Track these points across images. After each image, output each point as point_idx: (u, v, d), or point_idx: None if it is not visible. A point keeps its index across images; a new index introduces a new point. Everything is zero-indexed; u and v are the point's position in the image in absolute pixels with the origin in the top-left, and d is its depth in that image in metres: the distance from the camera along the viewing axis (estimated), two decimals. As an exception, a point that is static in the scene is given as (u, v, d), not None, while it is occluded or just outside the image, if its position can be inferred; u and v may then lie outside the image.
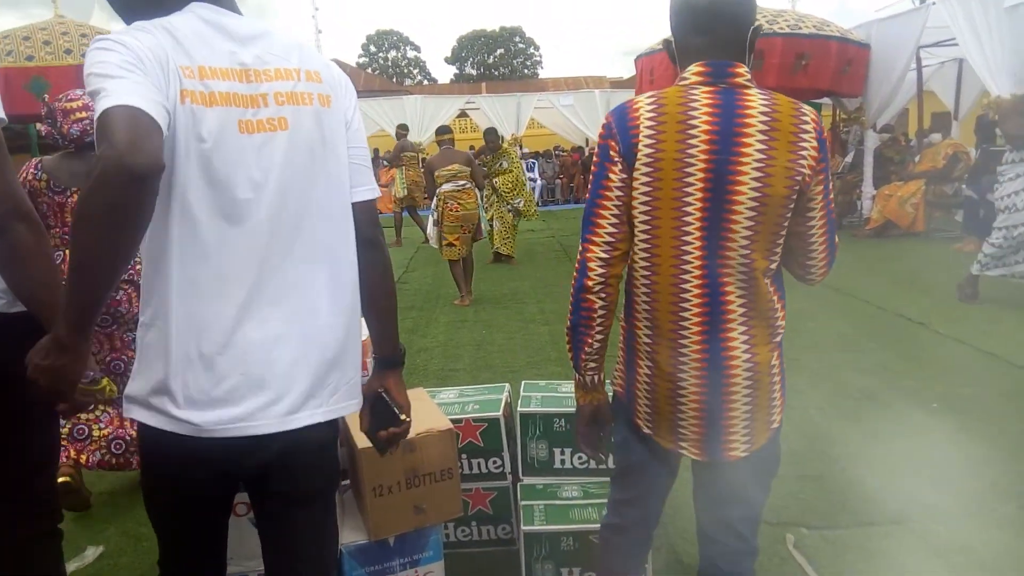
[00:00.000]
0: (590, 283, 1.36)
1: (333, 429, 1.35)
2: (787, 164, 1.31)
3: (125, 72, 1.03)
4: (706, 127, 1.31)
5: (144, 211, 1.00)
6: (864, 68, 8.22)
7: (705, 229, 1.31)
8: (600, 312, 1.39)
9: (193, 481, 1.21)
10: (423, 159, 8.56)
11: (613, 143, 1.34)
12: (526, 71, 47.03)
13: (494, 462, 2.22)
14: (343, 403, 1.30)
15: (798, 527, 2.41)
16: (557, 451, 2.22)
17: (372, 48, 48.39)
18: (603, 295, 1.38)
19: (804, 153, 1.32)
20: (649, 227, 1.34)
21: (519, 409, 2.20)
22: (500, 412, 2.20)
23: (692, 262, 1.32)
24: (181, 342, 1.13)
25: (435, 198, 6.20)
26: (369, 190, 1.35)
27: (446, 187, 6.12)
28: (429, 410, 1.99)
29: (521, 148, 16.49)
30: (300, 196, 1.20)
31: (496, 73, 46.29)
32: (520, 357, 4.54)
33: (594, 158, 1.41)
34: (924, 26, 7.41)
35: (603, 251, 1.35)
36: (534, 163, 16.86)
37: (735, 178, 1.30)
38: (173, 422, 1.14)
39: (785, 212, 1.34)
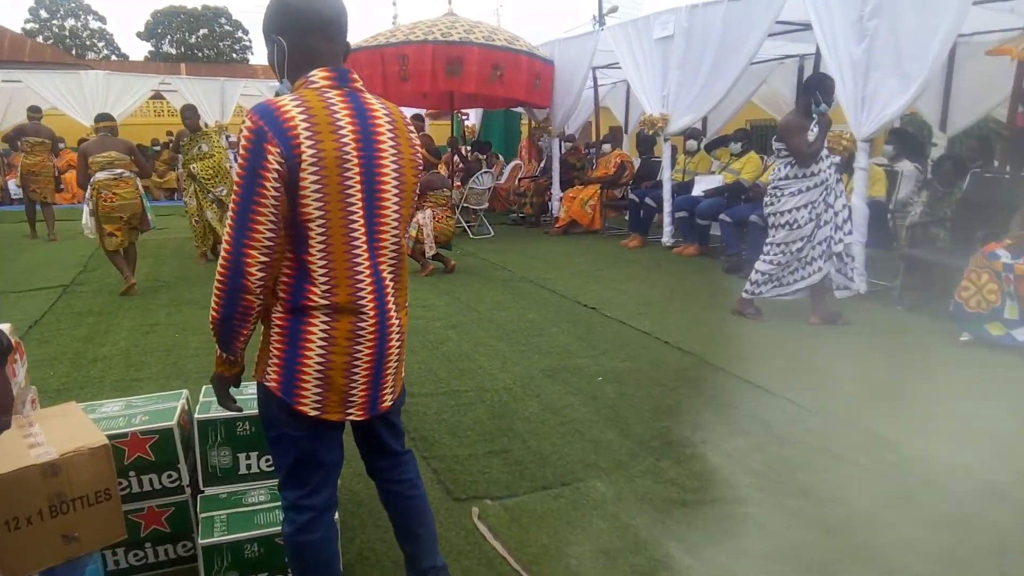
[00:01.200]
0: (251, 285, 1.44)
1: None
2: (411, 157, 1.60)
3: None
4: (351, 127, 1.48)
5: None
6: (551, 82, 9.14)
7: (365, 218, 1.51)
8: (258, 308, 1.50)
9: None
10: (79, 145, 7.38)
11: (271, 147, 1.39)
12: (234, 55, 43.72)
13: (169, 476, 2.06)
14: None
15: (483, 500, 2.61)
16: (242, 456, 2.13)
17: (43, 14, 41.03)
18: (262, 296, 1.48)
19: (416, 147, 1.61)
20: (323, 222, 1.45)
21: (196, 416, 2.07)
22: (174, 421, 2.04)
23: (360, 247, 1.50)
24: None
25: (88, 187, 5.77)
26: None
27: (100, 175, 5.72)
28: (79, 426, 1.77)
29: (228, 136, 15.33)
30: None
31: (200, 55, 42.31)
32: (217, 361, 4.24)
33: (240, 160, 1.41)
34: (596, 49, 8.46)
35: (263, 255, 1.43)
36: (243, 154, 15.74)
37: (380, 171, 1.52)
38: None
39: (414, 198, 1.62)
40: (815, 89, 4.56)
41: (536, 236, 9.30)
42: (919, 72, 4.90)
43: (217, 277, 1.45)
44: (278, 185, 1.40)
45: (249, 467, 2.13)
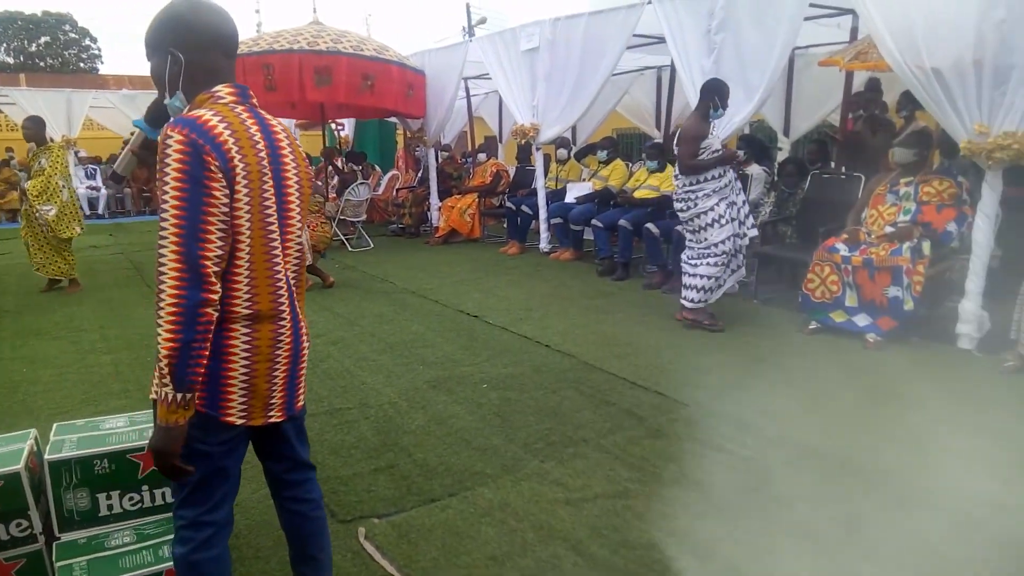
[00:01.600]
0: (212, 297, 1.41)
1: None
2: (305, 168, 1.69)
3: None
4: (262, 142, 1.54)
5: None
6: (424, 92, 9.14)
7: (279, 228, 1.58)
8: (214, 324, 1.46)
9: None
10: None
11: (210, 158, 1.41)
12: (82, 64, 40.40)
13: (18, 525, 1.89)
14: None
15: (370, 519, 2.58)
16: (102, 497, 1.99)
17: None
18: (217, 307, 1.45)
19: (303, 161, 1.70)
20: (249, 233, 1.50)
21: (47, 457, 1.91)
22: (21, 465, 1.88)
23: (278, 256, 1.57)
24: None
25: None
26: None
27: None
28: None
29: (78, 152, 14.16)
30: None
31: (42, 64, 38.76)
32: (75, 394, 3.92)
33: (176, 172, 1.38)
34: (466, 59, 8.56)
35: (216, 265, 1.42)
36: (96, 169, 14.62)
37: (286, 183, 1.60)
38: None
39: (307, 209, 1.69)
40: (713, 94, 4.73)
41: (416, 246, 9.25)
42: (761, 82, 5.33)
43: (168, 302, 1.36)
44: (224, 198, 1.43)
45: (111, 507, 2.00)
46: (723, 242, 4.77)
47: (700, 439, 3.18)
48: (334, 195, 9.46)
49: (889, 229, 4.53)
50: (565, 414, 3.51)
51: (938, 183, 4.53)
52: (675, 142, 4.83)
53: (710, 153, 4.71)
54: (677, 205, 4.90)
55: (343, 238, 9.06)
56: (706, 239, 4.81)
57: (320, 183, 8.83)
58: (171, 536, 2.01)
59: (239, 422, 1.57)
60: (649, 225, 6.35)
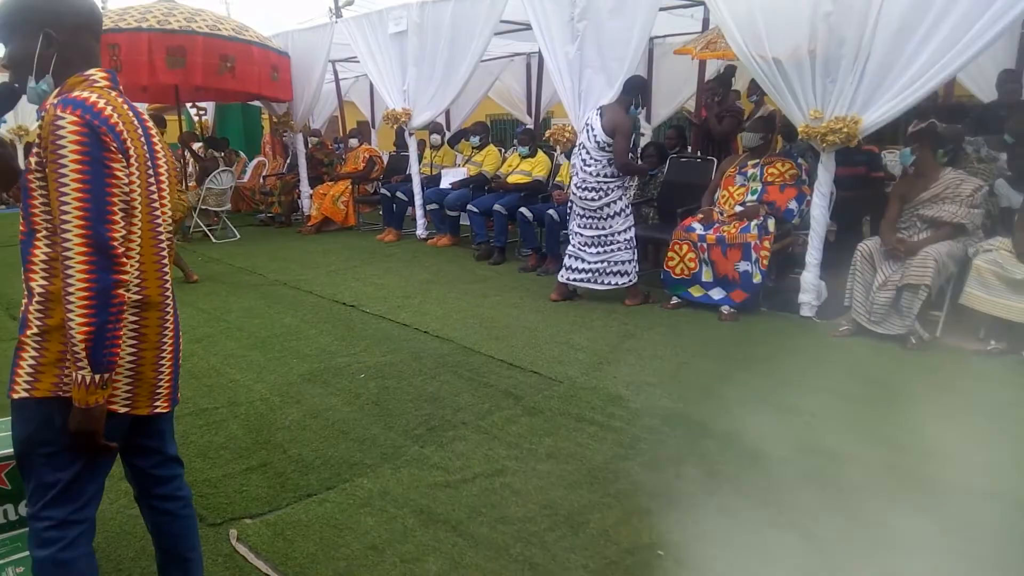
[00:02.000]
0: (124, 278, 1.41)
1: None
2: (170, 157, 1.71)
3: None
4: (140, 128, 1.54)
5: None
6: (289, 75, 8.78)
7: (160, 212, 1.58)
8: (126, 304, 1.45)
9: None
10: None
11: (108, 139, 1.40)
12: None
13: None
14: None
15: (243, 520, 2.50)
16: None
17: None
18: (129, 287, 1.46)
19: (167, 148, 1.70)
20: (137, 216, 1.48)
21: None
22: None
23: (163, 242, 1.58)
24: None
25: None
26: None
27: None
28: None
29: None
30: None
31: None
32: None
33: (75, 155, 1.35)
34: (332, 41, 8.30)
35: (123, 245, 1.41)
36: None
37: (158, 169, 1.59)
38: None
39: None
40: (637, 92, 4.95)
41: (288, 236, 8.93)
42: (621, 69, 5.55)
43: (79, 287, 1.35)
44: (127, 177, 1.43)
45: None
46: (626, 231, 5.02)
47: (574, 414, 3.31)
48: (194, 183, 8.93)
49: (739, 208, 4.88)
50: (444, 398, 3.54)
51: (780, 164, 4.93)
52: (605, 134, 4.87)
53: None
54: (587, 194, 4.97)
55: (206, 229, 8.59)
56: (610, 227, 5.01)
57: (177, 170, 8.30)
58: (16, 556, 1.88)
59: (123, 410, 1.54)
60: (523, 209, 6.47)
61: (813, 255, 4.69)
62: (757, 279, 4.65)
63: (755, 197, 4.88)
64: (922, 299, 4.00)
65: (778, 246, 4.82)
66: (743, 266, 4.66)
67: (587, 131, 5.01)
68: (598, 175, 4.93)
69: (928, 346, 4.09)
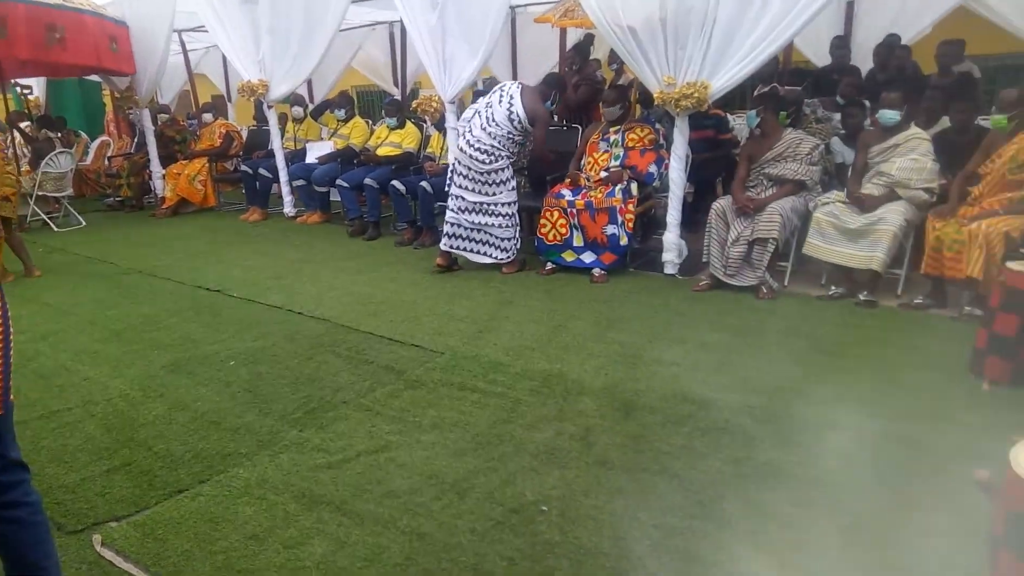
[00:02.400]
0: None
1: None
2: None
3: None
4: None
5: None
6: (130, 46, 8.07)
7: None
8: None
9: None
10: None
11: None
12: None
13: None
14: None
15: (107, 524, 2.34)
16: None
17: None
18: None
19: None
20: None
21: None
22: None
23: None
24: None
25: None
26: None
27: None
28: None
29: None
30: None
31: None
32: None
33: None
34: (175, 9, 7.69)
35: None
36: None
37: None
38: None
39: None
40: (555, 88, 5.34)
41: (141, 220, 8.31)
42: (481, 40, 5.54)
43: None
44: None
45: None
46: (509, 204, 5.08)
47: (456, 383, 3.34)
48: (27, 168, 8.08)
49: (604, 174, 5.05)
50: (323, 379, 3.46)
51: (640, 130, 5.13)
52: (523, 110, 4.96)
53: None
54: (478, 155, 4.96)
55: (45, 218, 7.82)
56: (494, 195, 5.05)
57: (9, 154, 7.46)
58: None
59: None
60: (395, 183, 6.35)
61: (673, 215, 4.94)
62: (624, 241, 4.84)
63: (618, 162, 5.06)
64: (770, 252, 4.33)
65: (641, 209, 5.04)
66: (610, 229, 4.84)
67: (500, 97, 5.01)
68: (495, 138, 4.95)
69: (778, 294, 4.44)
